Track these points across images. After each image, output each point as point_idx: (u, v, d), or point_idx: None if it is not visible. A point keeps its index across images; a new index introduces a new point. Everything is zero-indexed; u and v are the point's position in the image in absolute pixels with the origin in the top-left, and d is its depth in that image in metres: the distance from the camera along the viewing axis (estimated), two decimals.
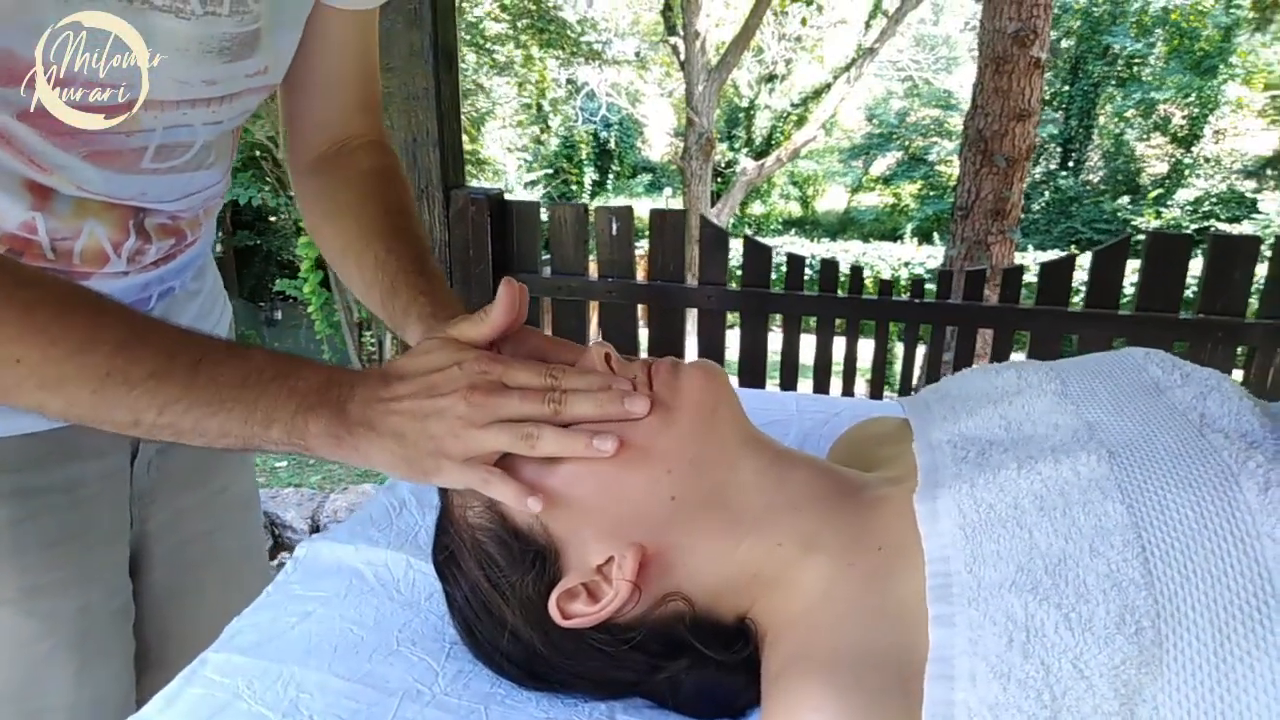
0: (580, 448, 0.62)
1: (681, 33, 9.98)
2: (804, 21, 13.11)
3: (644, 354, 2.51)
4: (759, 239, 2.39)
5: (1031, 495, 0.56)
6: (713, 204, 10.27)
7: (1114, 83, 16.35)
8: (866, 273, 2.41)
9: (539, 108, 13.80)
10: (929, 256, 13.97)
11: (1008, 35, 5.08)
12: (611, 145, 16.85)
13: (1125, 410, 0.62)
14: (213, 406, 0.58)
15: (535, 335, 0.72)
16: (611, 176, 17.23)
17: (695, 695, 0.68)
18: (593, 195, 16.44)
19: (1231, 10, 14.51)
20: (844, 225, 18.06)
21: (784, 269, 2.39)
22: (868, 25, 13.31)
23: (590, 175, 16.69)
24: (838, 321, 2.38)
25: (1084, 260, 2.31)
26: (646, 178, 18.08)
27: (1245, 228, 12.81)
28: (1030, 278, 2.32)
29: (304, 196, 0.94)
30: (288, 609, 0.82)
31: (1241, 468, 0.52)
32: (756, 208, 17.95)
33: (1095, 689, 0.47)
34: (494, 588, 0.67)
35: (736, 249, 2.37)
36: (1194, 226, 14.09)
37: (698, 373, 0.69)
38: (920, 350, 2.57)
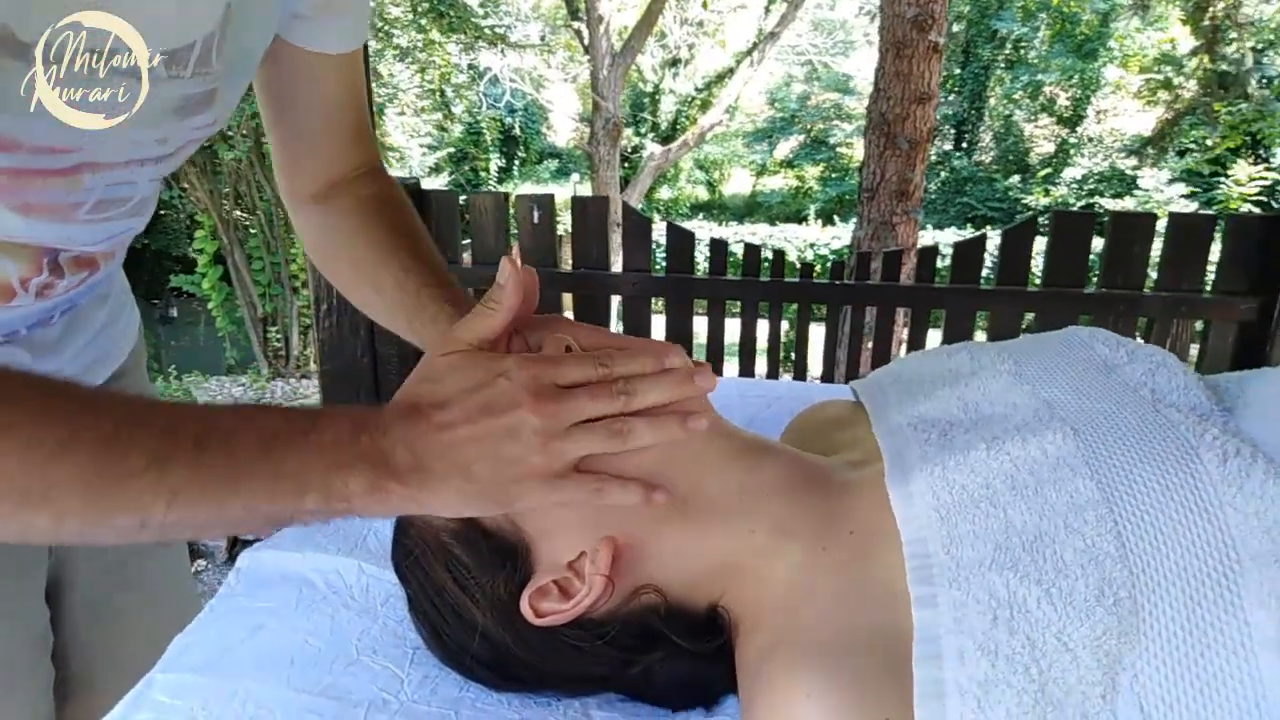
0: (676, 430, 0.58)
1: (584, 17, 9.92)
2: (705, 5, 13.18)
3: None
4: (679, 224, 2.40)
5: (1002, 475, 0.57)
6: (621, 189, 10.26)
7: (1002, 66, 16.96)
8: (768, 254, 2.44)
9: (441, 94, 13.53)
10: (834, 238, 14.28)
11: (907, 20, 5.20)
12: (517, 131, 16.65)
13: (1081, 388, 0.65)
14: (230, 485, 0.49)
15: (558, 321, 0.68)
16: (518, 163, 17.04)
17: (669, 686, 0.68)
18: (499, 182, 16.22)
19: None
20: (750, 208, 18.30)
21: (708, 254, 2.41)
22: (767, 10, 13.48)
23: (496, 162, 16.48)
24: (761, 305, 2.41)
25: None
26: (553, 164, 17.94)
27: (1128, 203, 13.47)
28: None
29: (307, 230, 0.91)
30: (236, 623, 0.79)
31: (1200, 441, 0.55)
32: (664, 192, 18.03)
33: (1079, 660, 0.48)
34: (462, 589, 0.66)
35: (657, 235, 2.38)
36: (1080, 203, 14.76)
37: None
38: (820, 330, 2.62)
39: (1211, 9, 6.99)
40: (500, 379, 0.55)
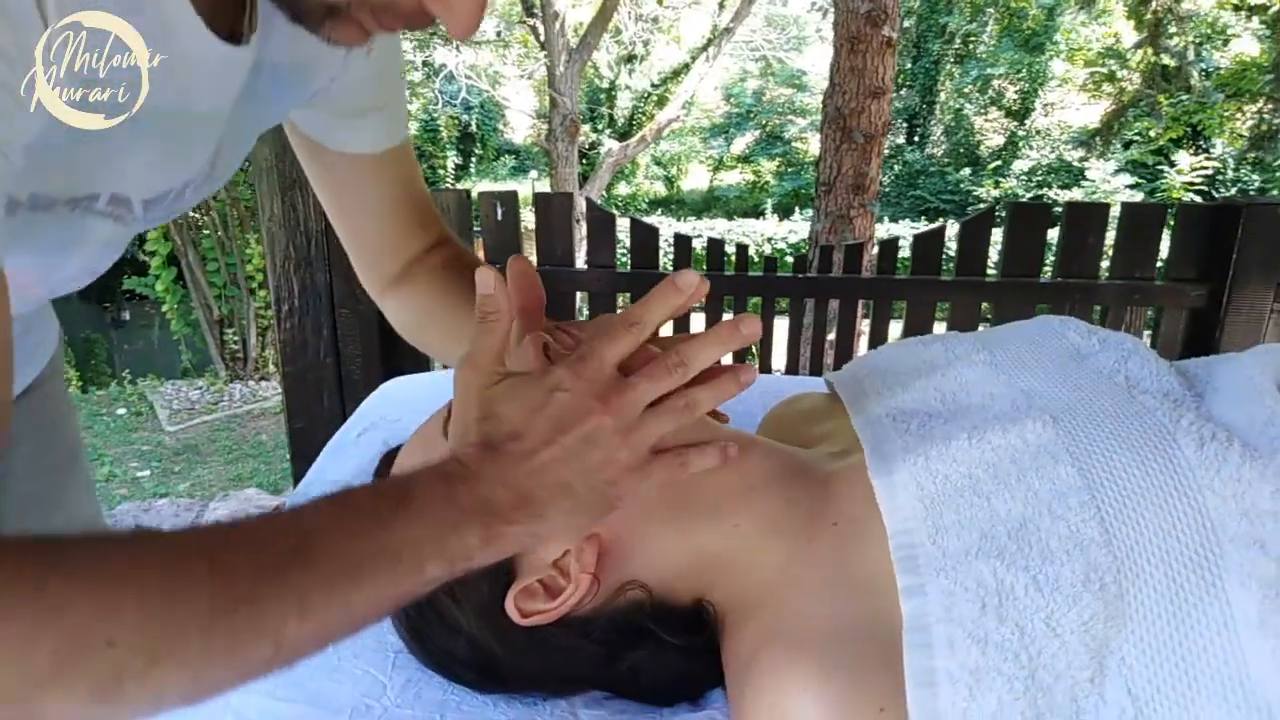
0: (733, 388, 0.56)
1: (540, 13, 9.87)
2: (660, 1, 13.18)
3: None
4: (644, 220, 2.40)
5: (984, 464, 0.58)
6: (580, 186, 10.24)
7: (952, 60, 17.21)
8: (731, 249, 2.45)
9: None
10: (790, 231, 14.38)
11: (861, 16, 5.25)
12: (474, 128, 16.54)
13: (1056, 377, 0.66)
14: (350, 579, 0.46)
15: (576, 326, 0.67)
16: (475, 160, 16.92)
17: (655, 682, 0.68)
18: (456, 179, 16.09)
19: None
20: (708, 203, 18.37)
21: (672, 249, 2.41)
22: (721, 5, 13.54)
23: (453, 159, 16.34)
24: (725, 299, 2.42)
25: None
26: (511, 160, 17.85)
27: (1076, 194, 13.75)
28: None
29: (397, 315, 0.93)
30: None
31: (1176, 426, 0.56)
32: (622, 188, 18.02)
33: (1068, 646, 0.49)
34: (445, 592, 0.65)
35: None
36: (1030, 195, 15.03)
37: None
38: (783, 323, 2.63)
39: (1154, 3, 7.15)
40: (557, 393, 0.54)
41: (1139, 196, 12.53)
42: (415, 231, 0.89)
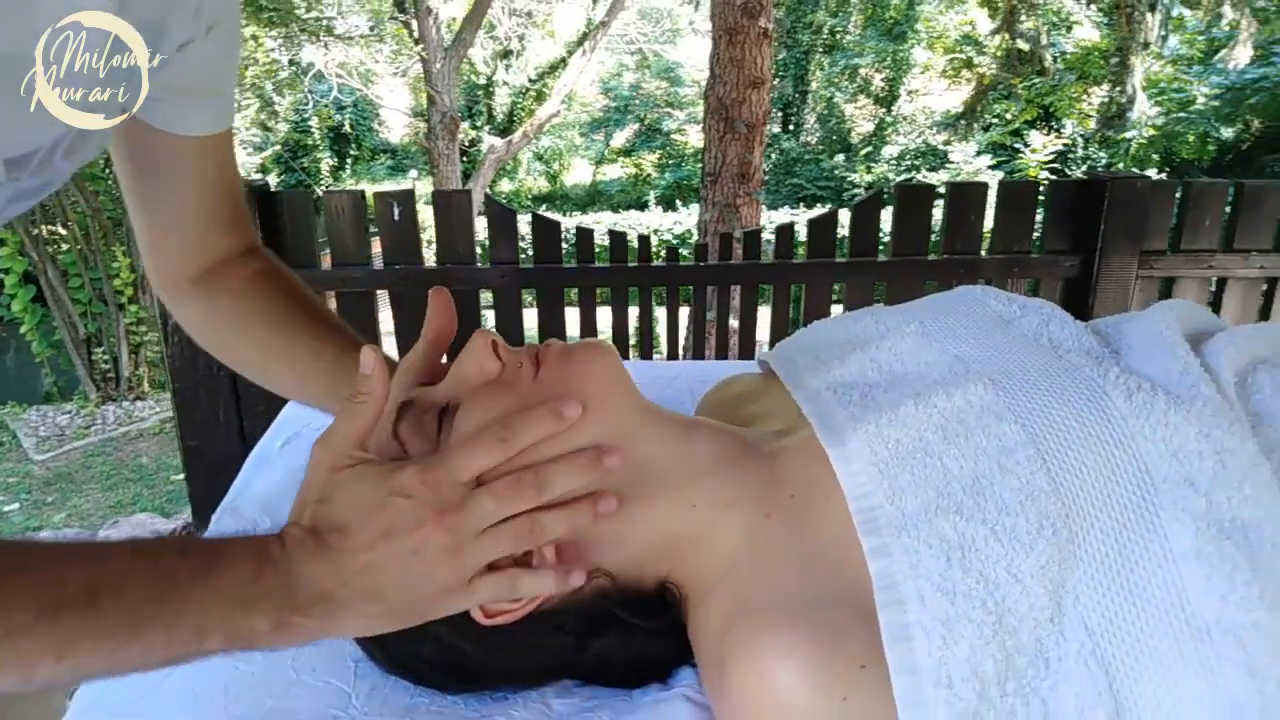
0: (588, 518, 0.58)
1: (412, 9, 9.67)
2: None
3: None
4: (546, 215, 2.39)
5: (933, 427, 0.61)
6: (463, 184, 10.08)
7: (821, 50, 17.72)
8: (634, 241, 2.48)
9: (263, 92, 12.84)
10: (675, 223, 14.53)
11: (737, 7, 5.35)
12: (347, 129, 16.05)
13: (986, 343, 0.70)
14: (127, 633, 0.47)
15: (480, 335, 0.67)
16: (350, 161, 16.43)
17: (624, 667, 0.69)
18: (332, 181, 15.59)
19: None
20: (592, 198, 18.37)
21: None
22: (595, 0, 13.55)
23: (328, 161, 15.83)
24: (630, 290, 2.44)
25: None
26: (388, 160, 17.41)
27: (942, 176, 14.39)
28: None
29: (190, 319, 0.86)
30: None
31: (1105, 380, 0.60)
32: (505, 185, 17.83)
33: (1029, 590, 0.53)
34: None
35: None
36: (899, 178, 15.64)
37: (588, 352, 0.69)
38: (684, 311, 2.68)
39: None
40: (396, 498, 0.54)
41: (999, 176, 13.22)
42: (227, 228, 0.85)
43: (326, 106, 14.57)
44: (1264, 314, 2.43)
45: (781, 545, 0.63)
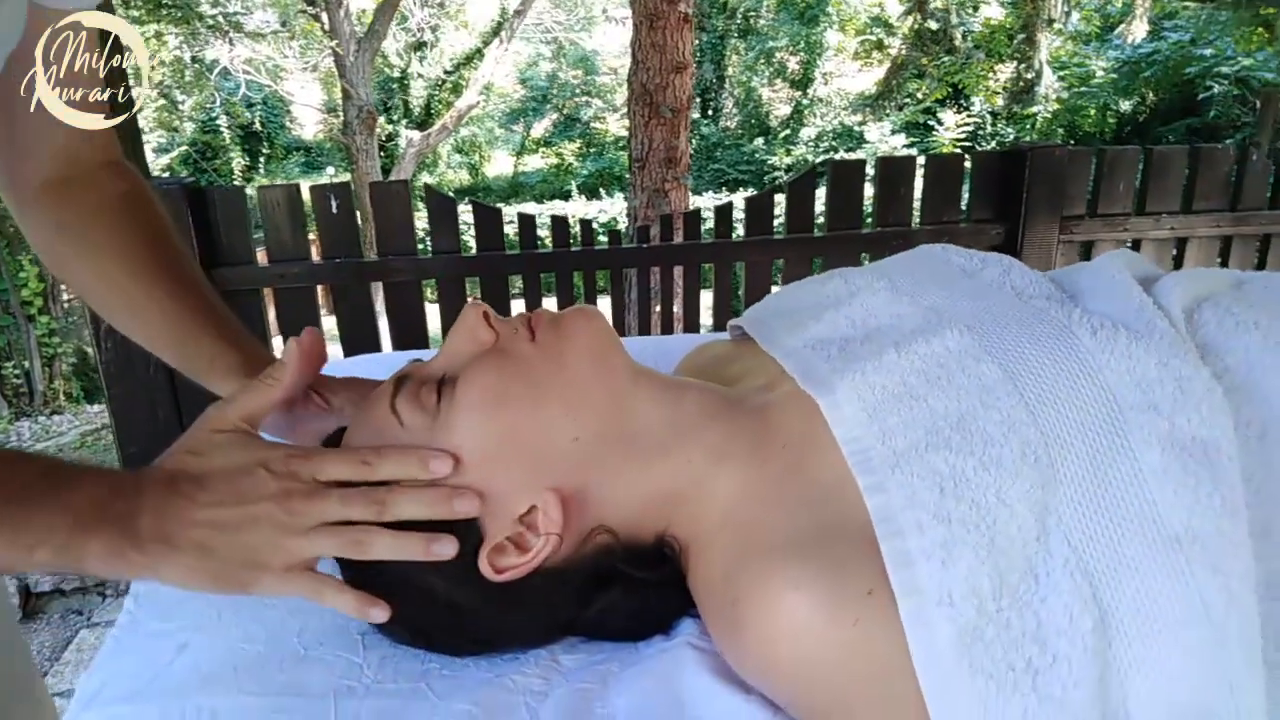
0: (418, 552, 0.60)
1: (322, 2, 9.44)
2: None
3: (384, 337, 2.42)
4: (486, 204, 2.39)
5: (915, 371, 0.65)
6: (384, 178, 9.91)
7: (736, 35, 17.88)
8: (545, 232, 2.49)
9: (167, 91, 12.39)
10: (600, 211, 14.53)
11: None
12: (258, 126, 15.59)
13: (955, 293, 0.74)
14: None
15: (354, 383, 0.71)
16: (263, 159, 15.97)
17: (628, 620, 0.71)
18: (245, 180, 15.14)
19: None
20: (514, 189, 18.22)
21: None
22: None
23: (239, 160, 15.35)
24: (574, 274, 2.46)
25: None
26: (301, 157, 16.98)
27: (860, 154, 14.69)
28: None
29: (38, 229, 0.80)
30: (153, 646, 0.74)
31: (1070, 320, 0.65)
32: (425, 178, 17.57)
33: (1016, 513, 0.57)
34: (417, 563, 0.66)
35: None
36: (819, 159, 15.92)
37: (580, 317, 0.71)
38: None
39: None
40: (260, 469, 0.58)
41: (914, 154, 13.57)
42: (90, 131, 0.76)
43: (235, 104, 14.11)
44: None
45: (779, 491, 0.66)
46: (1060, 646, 0.54)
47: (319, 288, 2.31)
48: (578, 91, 18.61)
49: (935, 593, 0.55)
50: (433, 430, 0.64)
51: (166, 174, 13.09)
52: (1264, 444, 0.61)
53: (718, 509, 0.68)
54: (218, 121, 14.61)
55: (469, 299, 0.76)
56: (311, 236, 2.30)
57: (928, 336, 0.67)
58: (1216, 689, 0.52)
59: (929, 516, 0.57)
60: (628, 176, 5.85)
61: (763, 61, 17.78)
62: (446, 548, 0.61)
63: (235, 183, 14.55)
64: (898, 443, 0.62)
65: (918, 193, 2.47)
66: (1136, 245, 2.55)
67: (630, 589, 0.69)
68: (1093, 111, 14.42)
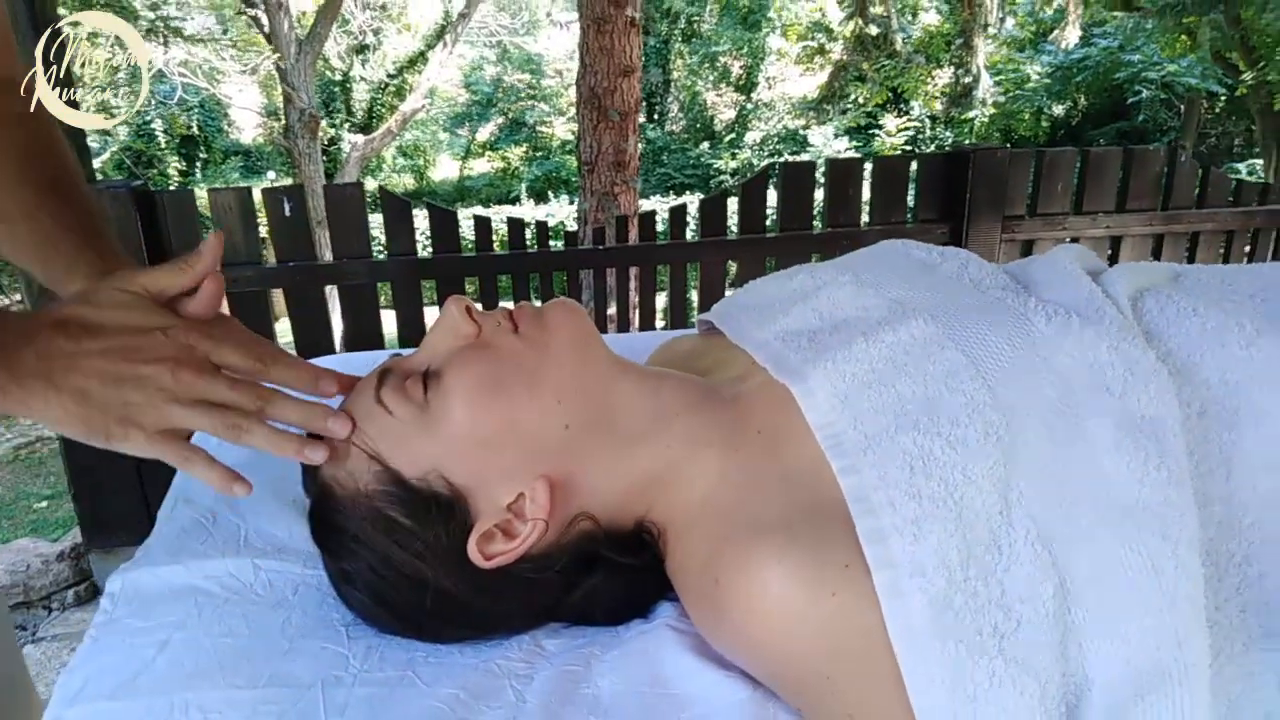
0: (290, 452, 0.63)
1: (262, 4, 9.28)
2: None
3: (338, 339, 2.40)
4: (441, 206, 2.39)
5: (883, 359, 0.68)
6: (328, 182, 9.78)
7: (680, 39, 18.00)
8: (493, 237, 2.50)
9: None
10: (549, 215, 14.51)
11: None
12: (195, 130, 15.23)
13: (917, 285, 0.78)
14: None
15: (236, 325, 0.70)
16: (200, 164, 15.61)
17: (610, 604, 0.73)
18: (182, 185, 14.79)
19: None
20: (461, 193, 18.08)
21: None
22: None
23: (176, 165, 14.99)
24: (531, 276, 2.47)
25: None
26: (241, 161, 16.63)
27: (805, 158, 14.90)
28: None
29: None
30: (134, 643, 0.74)
31: (1026, 308, 0.69)
32: (370, 183, 17.34)
33: (981, 489, 0.60)
34: (406, 550, 0.67)
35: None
36: (763, 163, 16.11)
37: (561, 309, 0.74)
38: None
39: None
40: (158, 332, 0.60)
41: (858, 157, 13.81)
42: None
43: (170, 108, 13.78)
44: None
45: (755, 475, 0.69)
46: (1024, 612, 0.57)
47: (273, 291, 2.29)
48: (524, 95, 18.55)
49: (908, 565, 0.58)
50: (423, 421, 0.66)
51: (97, 173, 12.73)
52: (1204, 421, 0.66)
53: (696, 494, 0.71)
54: (152, 125, 14.25)
55: (452, 297, 0.77)
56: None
57: (894, 326, 0.70)
58: (1167, 646, 0.56)
59: (900, 494, 0.60)
60: (576, 180, 5.86)
61: (707, 66, 17.93)
62: (318, 454, 0.64)
63: (172, 187, 14.20)
64: (868, 426, 0.65)
65: (866, 194, 2.53)
66: (1075, 243, 2.64)
67: (612, 573, 0.71)
68: (1027, 115, 14.83)
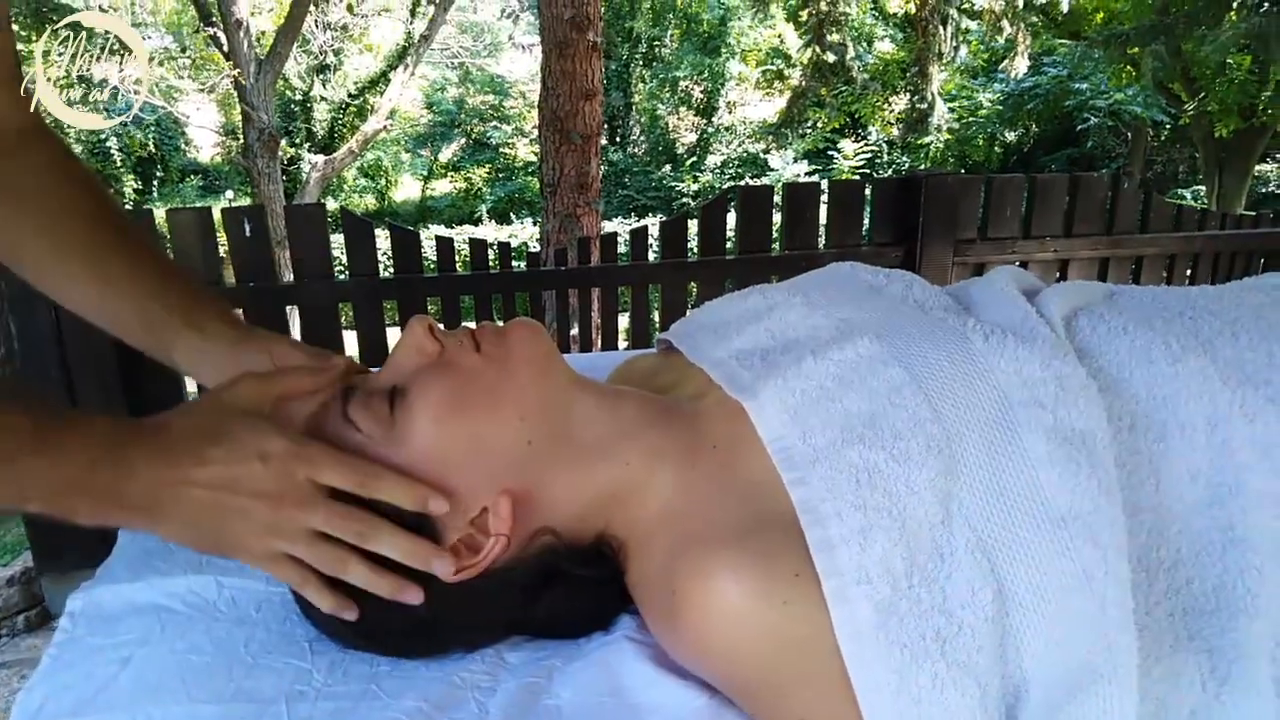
0: (385, 589, 0.66)
1: (219, 22, 9.21)
2: (350, 9, 12.76)
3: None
4: (403, 226, 2.40)
5: (831, 376, 0.71)
6: (288, 202, 9.70)
7: (641, 63, 18.18)
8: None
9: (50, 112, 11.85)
10: (511, 235, 14.51)
11: (565, 21, 5.46)
12: (152, 148, 15.03)
13: (864, 306, 0.81)
14: None
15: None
16: (157, 182, 15.40)
17: (571, 618, 0.75)
18: (139, 203, 14.57)
19: None
20: (422, 214, 18.03)
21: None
22: (413, 13, 13.37)
23: (132, 184, 14.76)
24: (494, 297, 2.48)
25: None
26: (198, 180, 16.43)
27: (765, 181, 15.09)
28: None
29: None
30: (95, 661, 0.74)
31: (965, 328, 0.73)
32: (330, 203, 17.23)
33: (923, 500, 0.63)
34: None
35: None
36: (725, 186, 16.27)
37: (522, 328, 0.76)
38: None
39: (809, 7, 8.10)
40: (258, 462, 0.61)
41: (816, 181, 14.02)
42: (5, 92, 0.75)
43: (127, 126, 13.59)
44: None
45: (711, 488, 0.71)
46: (964, 617, 0.60)
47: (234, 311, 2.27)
48: (487, 115, 18.58)
49: (854, 573, 0.60)
50: (389, 438, 0.67)
51: None
52: (1133, 434, 0.70)
53: (654, 508, 0.73)
54: (108, 144, 14.04)
55: (416, 316, 0.79)
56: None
57: (841, 344, 0.73)
58: (1097, 648, 0.59)
59: (847, 505, 0.63)
60: (539, 201, 5.89)
61: (668, 90, 18.11)
62: (413, 595, 0.66)
63: (127, 207, 13.99)
64: (817, 440, 0.68)
65: (822, 217, 2.59)
66: (1024, 266, 2.72)
67: (572, 587, 0.73)
68: (981, 141, 15.19)
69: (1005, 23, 7.85)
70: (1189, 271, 2.98)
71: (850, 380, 0.71)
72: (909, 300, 0.82)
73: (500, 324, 0.78)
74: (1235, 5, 8.03)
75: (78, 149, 13.72)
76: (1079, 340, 0.75)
